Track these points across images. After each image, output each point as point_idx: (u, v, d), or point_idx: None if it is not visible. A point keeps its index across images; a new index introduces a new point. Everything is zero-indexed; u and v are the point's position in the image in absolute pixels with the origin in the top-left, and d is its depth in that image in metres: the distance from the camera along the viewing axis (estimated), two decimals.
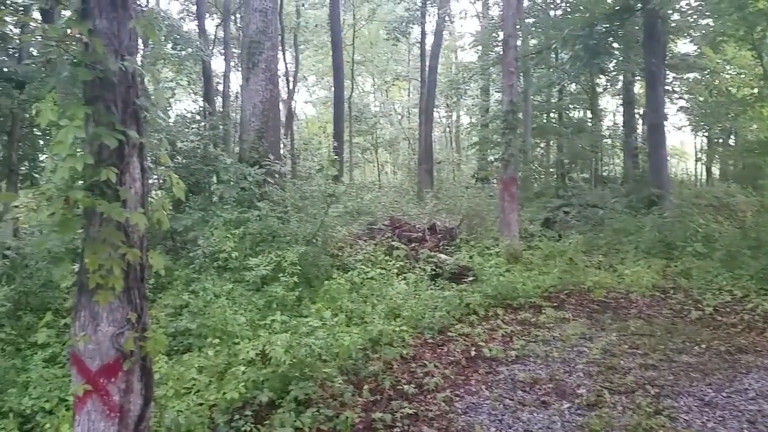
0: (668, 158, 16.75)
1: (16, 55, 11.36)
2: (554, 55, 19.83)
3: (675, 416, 4.30)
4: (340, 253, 8.45)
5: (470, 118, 29.76)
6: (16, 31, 11.83)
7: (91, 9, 3.06)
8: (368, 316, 6.07)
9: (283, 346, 4.71)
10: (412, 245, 9.67)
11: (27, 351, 5.48)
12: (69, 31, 3.09)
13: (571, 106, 23.31)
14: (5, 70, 10.56)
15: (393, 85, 31.91)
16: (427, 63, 21.60)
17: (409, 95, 32.90)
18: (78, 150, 3.12)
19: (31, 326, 5.99)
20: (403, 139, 29.48)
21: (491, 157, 22.74)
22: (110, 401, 3.12)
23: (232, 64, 19.05)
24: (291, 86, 22.61)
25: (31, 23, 3.94)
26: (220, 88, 20.03)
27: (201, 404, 4.35)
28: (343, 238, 8.94)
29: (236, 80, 18.63)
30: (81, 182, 3.20)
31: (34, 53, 11.04)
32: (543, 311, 7.07)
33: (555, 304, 7.48)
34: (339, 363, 4.98)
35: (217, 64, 22.50)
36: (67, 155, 3.06)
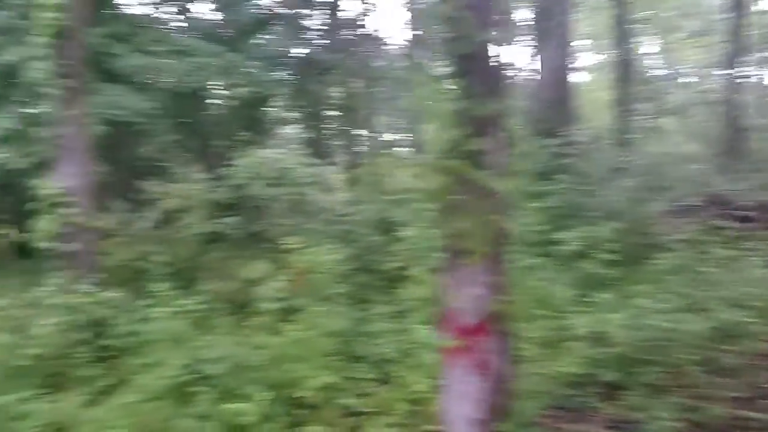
0: None
1: (326, 45, 13.15)
2: None
3: None
4: (653, 232, 7.65)
5: None
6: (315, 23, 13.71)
7: None
8: (710, 303, 5.28)
9: (620, 326, 4.42)
10: (740, 225, 8.19)
11: (363, 305, 6.16)
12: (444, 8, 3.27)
13: None
14: (315, 59, 12.34)
15: (686, 42, 27.74)
16: (731, 14, 17.98)
17: (706, 53, 28.15)
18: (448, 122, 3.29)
19: (359, 284, 6.85)
20: (699, 104, 25.46)
21: None
22: (479, 358, 3.28)
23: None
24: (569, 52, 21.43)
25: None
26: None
27: (535, 373, 4.35)
28: (652, 215, 8.08)
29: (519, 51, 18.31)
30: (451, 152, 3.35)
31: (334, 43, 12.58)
32: None
33: None
34: (686, 351, 4.44)
35: None
36: (442, 126, 3.28)
